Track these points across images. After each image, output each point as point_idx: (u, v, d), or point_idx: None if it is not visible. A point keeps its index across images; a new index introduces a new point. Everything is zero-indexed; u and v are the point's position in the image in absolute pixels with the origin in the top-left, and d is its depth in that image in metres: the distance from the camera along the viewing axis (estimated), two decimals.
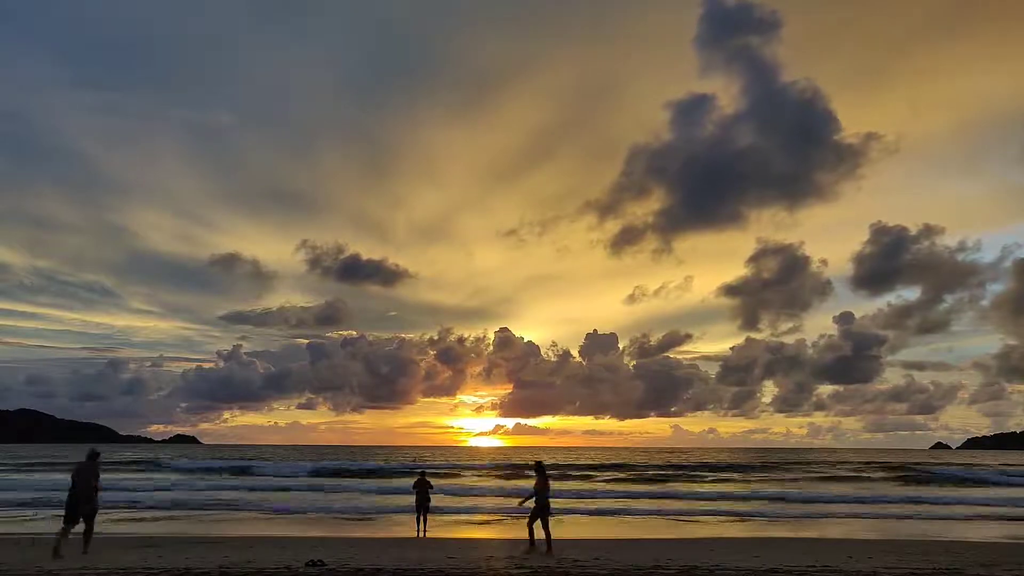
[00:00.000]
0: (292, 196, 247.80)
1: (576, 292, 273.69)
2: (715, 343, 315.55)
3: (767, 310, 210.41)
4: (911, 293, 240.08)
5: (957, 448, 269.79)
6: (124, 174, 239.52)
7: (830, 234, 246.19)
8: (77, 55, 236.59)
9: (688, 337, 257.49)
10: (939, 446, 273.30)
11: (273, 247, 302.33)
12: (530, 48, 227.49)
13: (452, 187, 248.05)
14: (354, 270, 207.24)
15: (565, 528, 22.60)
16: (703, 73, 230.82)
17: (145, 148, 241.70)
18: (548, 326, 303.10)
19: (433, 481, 22.88)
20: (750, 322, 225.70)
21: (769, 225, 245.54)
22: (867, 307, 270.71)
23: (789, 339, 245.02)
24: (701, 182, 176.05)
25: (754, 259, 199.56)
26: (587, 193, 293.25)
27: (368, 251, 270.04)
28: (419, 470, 22.90)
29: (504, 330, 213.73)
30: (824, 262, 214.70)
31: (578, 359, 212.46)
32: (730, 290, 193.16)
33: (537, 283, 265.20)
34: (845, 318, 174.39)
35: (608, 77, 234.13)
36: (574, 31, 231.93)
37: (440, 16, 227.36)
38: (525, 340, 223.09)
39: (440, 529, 21.67)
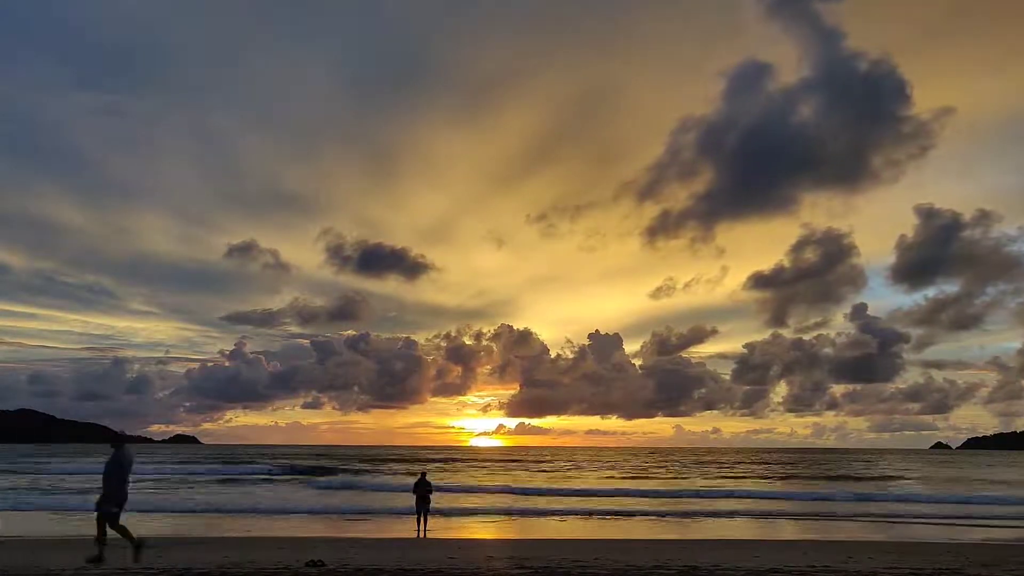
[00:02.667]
0: (293, 198, 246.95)
1: (597, 289, 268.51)
2: (741, 338, 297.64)
3: (797, 304, 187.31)
4: (952, 286, 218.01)
5: (957, 448, 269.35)
6: (125, 175, 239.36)
7: (884, 220, 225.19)
8: (78, 56, 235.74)
9: (714, 332, 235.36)
10: (939, 446, 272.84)
11: (272, 248, 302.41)
12: (536, 48, 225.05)
13: (457, 188, 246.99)
14: (377, 259, 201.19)
15: (566, 528, 22.60)
16: (758, 43, 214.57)
17: (146, 149, 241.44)
18: (563, 324, 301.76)
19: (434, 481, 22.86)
20: (778, 317, 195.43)
21: (823, 211, 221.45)
22: (903, 301, 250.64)
23: (812, 335, 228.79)
24: (748, 164, 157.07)
25: (795, 249, 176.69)
26: (596, 191, 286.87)
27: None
28: (420, 471, 22.87)
29: (509, 328, 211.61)
30: (862, 253, 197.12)
31: (586, 358, 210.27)
32: (761, 282, 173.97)
33: (556, 280, 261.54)
34: (858, 311, 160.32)
35: (615, 78, 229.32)
36: (585, 27, 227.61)
37: (444, 16, 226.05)
38: (537, 338, 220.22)
39: (440, 529, 21.65)
